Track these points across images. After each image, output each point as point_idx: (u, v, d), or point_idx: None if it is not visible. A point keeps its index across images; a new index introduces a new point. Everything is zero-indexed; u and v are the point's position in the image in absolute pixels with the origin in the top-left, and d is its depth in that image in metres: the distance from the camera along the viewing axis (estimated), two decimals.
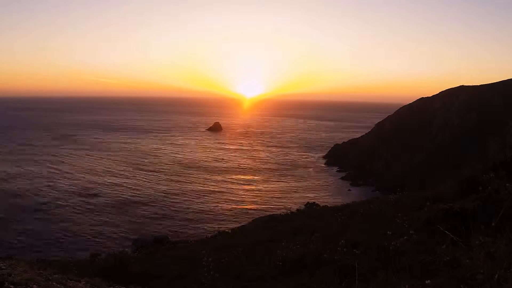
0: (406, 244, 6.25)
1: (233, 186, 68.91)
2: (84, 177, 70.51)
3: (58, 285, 5.29)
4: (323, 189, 69.93)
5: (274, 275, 8.42)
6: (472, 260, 3.46)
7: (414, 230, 6.78)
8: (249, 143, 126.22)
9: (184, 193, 62.61)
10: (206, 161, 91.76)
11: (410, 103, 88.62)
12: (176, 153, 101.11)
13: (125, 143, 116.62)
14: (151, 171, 78.33)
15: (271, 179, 75.73)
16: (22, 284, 4.64)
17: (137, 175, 73.97)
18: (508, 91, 67.67)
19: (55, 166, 79.06)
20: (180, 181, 70.50)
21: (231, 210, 54.73)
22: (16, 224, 45.97)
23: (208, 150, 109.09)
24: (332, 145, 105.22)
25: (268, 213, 35.72)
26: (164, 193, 61.98)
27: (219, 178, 74.92)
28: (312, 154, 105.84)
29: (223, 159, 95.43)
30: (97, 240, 42.44)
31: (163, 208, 54.50)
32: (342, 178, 77.38)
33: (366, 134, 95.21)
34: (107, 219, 49.18)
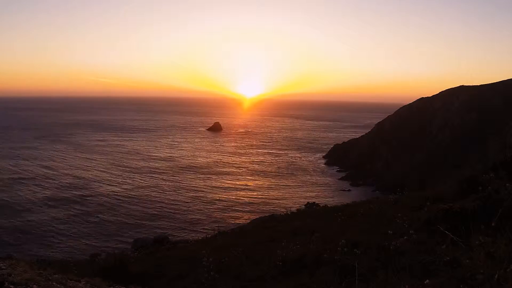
0: (406, 244, 6.25)
1: (233, 186, 68.91)
2: (84, 177, 70.52)
3: (58, 285, 5.29)
4: (323, 189, 69.93)
5: (274, 275, 8.42)
6: (472, 260, 3.46)
7: (414, 230, 6.78)
8: (249, 143, 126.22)
9: (184, 193, 62.62)
10: (206, 161, 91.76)
11: (410, 103, 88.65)
12: (175, 154, 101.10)
13: (124, 143, 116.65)
14: (151, 171, 78.34)
15: (271, 179, 75.72)
16: (22, 284, 4.64)
17: (137, 175, 73.97)
18: (508, 91, 67.68)
19: (54, 167, 79.05)
20: (180, 181, 70.50)
21: (231, 210, 54.73)
22: (16, 224, 45.98)
23: (208, 150, 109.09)
24: (332, 145, 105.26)
25: (268, 213, 35.69)
26: (164, 193, 61.98)
27: (219, 178, 74.92)
28: (312, 154, 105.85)
29: (222, 159, 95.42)
30: (97, 240, 42.45)
31: (163, 208, 54.50)
32: (342, 178, 77.37)
33: (366, 134, 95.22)
34: (107, 219, 49.19)
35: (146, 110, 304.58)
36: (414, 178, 61.14)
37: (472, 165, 47.82)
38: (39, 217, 48.90)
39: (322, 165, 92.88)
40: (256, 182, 73.44)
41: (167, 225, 47.72)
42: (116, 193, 61.04)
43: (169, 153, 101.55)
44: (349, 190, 68.59)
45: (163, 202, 57.08)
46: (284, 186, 70.60)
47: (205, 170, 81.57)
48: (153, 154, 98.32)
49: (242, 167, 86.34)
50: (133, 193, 61.32)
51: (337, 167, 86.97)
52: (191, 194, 62.15)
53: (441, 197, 10.43)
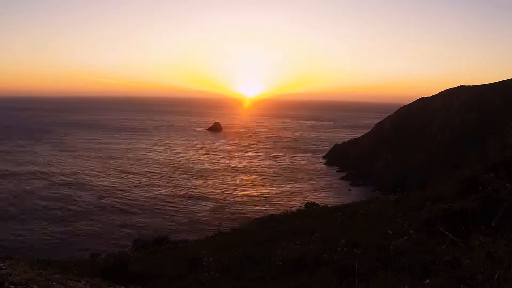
0: (406, 244, 6.26)
1: (233, 186, 68.91)
2: (83, 177, 70.54)
3: (58, 285, 5.29)
4: (323, 189, 69.92)
5: (274, 275, 8.42)
6: (472, 260, 3.47)
7: (414, 230, 6.78)
8: (248, 143, 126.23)
9: (183, 193, 62.60)
10: (205, 161, 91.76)
11: (410, 103, 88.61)
12: (175, 154, 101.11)
13: (123, 143, 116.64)
14: (150, 171, 78.35)
15: (271, 179, 75.73)
16: (22, 284, 4.64)
17: (136, 175, 73.98)
18: (508, 91, 67.66)
19: (54, 167, 79.08)
20: (179, 181, 70.50)
21: (231, 210, 54.73)
22: (16, 224, 45.99)
23: (207, 150, 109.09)
24: (332, 145, 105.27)
25: (268, 213, 35.71)
26: (164, 193, 61.97)
27: (218, 178, 74.93)
28: (312, 154, 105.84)
29: (222, 159, 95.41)
30: (97, 240, 42.44)
31: (163, 208, 54.50)
32: (342, 178, 77.37)
33: (366, 134, 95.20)
34: (107, 219, 49.20)
35: (146, 110, 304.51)
36: (414, 178, 61.10)
37: (472, 165, 47.80)
38: (38, 217, 48.89)
39: (322, 165, 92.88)
40: (256, 182, 73.43)
41: (167, 225, 47.72)
42: (116, 193, 61.04)
43: (168, 153, 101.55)
44: (349, 190, 68.59)
45: (162, 202, 57.06)
46: (284, 186, 70.60)
47: (205, 170, 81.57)
48: (153, 154, 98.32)
49: (242, 167, 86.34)
50: (133, 193, 61.33)
51: (337, 167, 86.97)
52: (191, 194, 62.13)
53: (441, 197, 10.43)
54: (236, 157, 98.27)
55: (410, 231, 6.58)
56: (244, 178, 76.42)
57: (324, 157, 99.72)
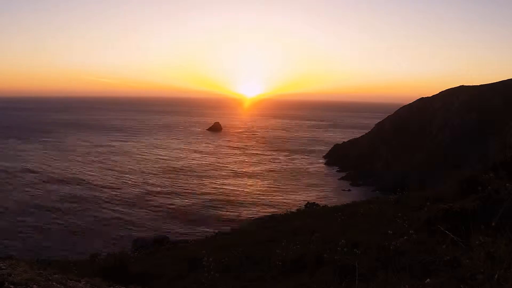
0: (406, 244, 6.26)
1: (233, 186, 68.90)
2: (84, 178, 70.53)
3: (58, 285, 5.29)
4: (323, 189, 69.92)
5: (274, 275, 8.42)
6: (472, 260, 3.46)
7: (414, 230, 6.78)
8: (248, 143, 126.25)
9: (183, 193, 62.61)
10: (205, 161, 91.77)
11: (410, 103, 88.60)
12: (175, 154, 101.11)
13: (123, 143, 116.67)
14: (150, 171, 78.36)
15: (271, 179, 75.73)
16: (22, 284, 4.64)
17: (137, 176, 73.98)
18: (508, 91, 67.67)
19: (53, 167, 79.09)
20: (179, 182, 70.50)
21: (231, 211, 54.73)
22: (15, 224, 45.99)
23: (207, 150, 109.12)
24: (332, 145, 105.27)
25: (268, 213, 35.70)
26: (164, 193, 61.99)
27: (218, 178, 74.93)
28: (312, 154, 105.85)
29: (222, 159, 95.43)
30: (97, 240, 42.43)
31: (163, 208, 54.50)
32: (342, 178, 77.35)
33: (366, 134, 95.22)
34: (107, 219, 49.19)
35: (145, 110, 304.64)
36: (414, 178, 61.15)
37: (472, 165, 47.79)
38: (38, 218, 48.90)
39: (322, 165, 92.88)
40: (256, 182, 73.44)
41: (167, 225, 47.72)
42: (115, 193, 61.06)
43: (168, 153, 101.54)
44: (349, 190, 68.59)
45: (162, 202, 57.07)
46: (284, 186, 70.60)
47: (205, 170, 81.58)
48: (152, 154, 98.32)
49: (242, 167, 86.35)
50: (132, 193, 61.34)
51: (337, 167, 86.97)
52: (190, 194, 62.15)
53: (441, 197, 10.43)
54: (236, 157, 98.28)
55: (410, 231, 6.58)
56: (244, 178, 76.42)
57: (324, 157, 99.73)
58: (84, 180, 68.32)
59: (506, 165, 9.71)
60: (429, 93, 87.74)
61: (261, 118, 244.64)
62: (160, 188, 65.00)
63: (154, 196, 60.30)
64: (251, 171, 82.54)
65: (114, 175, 73.62)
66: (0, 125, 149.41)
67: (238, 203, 58.71)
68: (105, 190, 62.65)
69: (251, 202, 59.33)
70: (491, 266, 3.24)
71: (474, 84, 78.62)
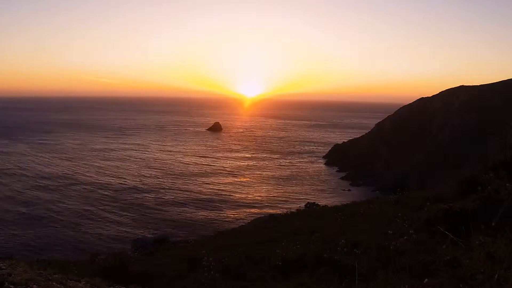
0: (406, 244, 6.26)
1: (233, 186, 68.90)
2: (84, 178, 70.52)
3: (58, 285, 5.29)
4: (323, 189, 69.93)
5: (274, 275, 8.42)
6: (472, 260, 3.46)
7: (414, 230, 6.79)
8: (248, 143, 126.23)
9: (183, 193, 62.60)
10: (205, 161, 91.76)
11: (410, 103, 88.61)
12: (175, 154, 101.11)
13: (123, 143, 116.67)
14: (149, 171, 78.36)
15: (271, 179, 75.73)
16: (22, 284, 4.64)
17: (137, 176, 73.99)
18: (508, 91, 67.67)
19: (53, 166, 79.10)
20: (179, 182, 70.49)
21: (231, 210, 54.73)
22: (15, 225, 46.00)
23: (207, 150, 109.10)
24: (332, 145, 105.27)
25: (268, 213, 35.72)
26: (164, 193, 61.98)
27: (218, 178, 74.92)
28: (312, 154, 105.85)
29: (222, 159, 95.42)
30: (97, 240, 42.45)
31: (163, 208, 54.49)
32: (342, 178, 77.36)
33: (366, 134, 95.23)
34: (107, 219, 49.20)
35: (146, 110, 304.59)
36: (414, 178, 61.14)
37: (472, 165, 47.79)
38: (38, 217, 48.89)
39: (322, 165, 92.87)
40: (256, 182, 73.43)
41: (167, 225, 47.72)
42: (116, 194, 61.06)
43: (168, 153, 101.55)
44: (349, 190, 68.60)
45: (162, 202, 57.07)
46: (284, 186, 70.61)
47: (205, 170, 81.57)
48: (153, 154, 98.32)
49: (242, 167, 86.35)
50: (133, 193, 61.33)
51: (337, 167, 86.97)
52: (190, 194, 62.13)
53: (441, 197, 10.43)
54: (236, 157, 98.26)
55: (410, 231, 6.58)
56: (244, 178, 76.41)
57: (324, 157, 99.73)
58: (84, 180, 68.32)
59: (506, 165, 9.71)
60: (429, 93, 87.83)
61: (261, 118, 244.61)
62: (160, 188, 64.98)
63: (154, 196, 60.27)
64: (251, 171, 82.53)
65: (114, 175, 73.61)
66: (0, 125, 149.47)
67: (238, 203, 58.70)
68: (105, 190, 62.65)
69: (251, 202, 59.32)
70: (491, 266, 3.24)
71: (474, 84, 78.68)
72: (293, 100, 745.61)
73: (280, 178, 77.25)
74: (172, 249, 17.57)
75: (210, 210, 54.48)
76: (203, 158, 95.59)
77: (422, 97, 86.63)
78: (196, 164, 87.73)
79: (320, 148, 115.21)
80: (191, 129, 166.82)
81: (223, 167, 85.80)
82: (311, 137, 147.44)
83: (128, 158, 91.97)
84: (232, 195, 62.77)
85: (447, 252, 4.39)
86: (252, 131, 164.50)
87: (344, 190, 68.97)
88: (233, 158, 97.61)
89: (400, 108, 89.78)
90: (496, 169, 9.66)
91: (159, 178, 72.67)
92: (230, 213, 53.31)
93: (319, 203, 29.00)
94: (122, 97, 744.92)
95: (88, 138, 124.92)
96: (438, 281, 3.70)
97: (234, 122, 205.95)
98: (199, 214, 52.53)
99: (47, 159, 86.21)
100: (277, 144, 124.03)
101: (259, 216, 34.21)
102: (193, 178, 73.41)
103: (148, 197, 59.62)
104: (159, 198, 59.25)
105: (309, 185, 72.61)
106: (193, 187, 66.97)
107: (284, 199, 61.69)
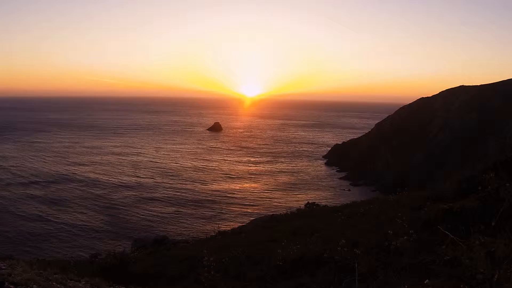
0: (406, 244, 6.26)
1: (233, 186, 68.91)
2: (83, 178, 70.54)
3: (58, 285, 5.29)
4: (323, 189, 69.95)
5: (274, 275, 8.42)
6: (472, 260, 3.46)
7: (414, 230, 6.78)
8: (248, 143, 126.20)
9: (183, 193, 62.62)
10: (205, 161, 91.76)
11: (410, 103, 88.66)
12: (175, 154, 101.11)
13: (122, 143, 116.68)
14: (149, 171, 78.35)
15: (271, 179, 75.74)
16: (22, 284, 4.64)
17: (137, 176, 73.99)
18: (508, 91, 67.66)
19: (52, 167, 79.10)
20: (179, 182, 70.52)
21: (231, 210, 54.74)
22: (16, 225, 45.99)
23: (207, 150, 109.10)
24: (332, 145, 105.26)
25: (268, 213, 35.71)
26: (164, 193, 62.00)
27: (218, 178, 74.93)
28: (312, 154, 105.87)
29: (222, 159, 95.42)
30: (97, 240, 42.46)
31: (163, 208, 54.51)
32: (342, 178, 77.38)
33: (366, 134, 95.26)
34: (107, 220, 49.20)
35: (146, 110, 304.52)
36: (414, 178, 61.11)
37: (472, 165, 47.79)
38: (38, 217, 48.90)
39: (322, 165, 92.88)
40: (256, 182, 73.43)
41: (167, 225, 47.73)
42: (116, 194, 61.07)
43: (168, 153, 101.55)
44: (349, 190, 68.61)
45: (162, 202, 57.09)
46: (284, 186, 70.61)
47: (205, 170, 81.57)
48: (153, 155, 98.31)
49: (242, 167, 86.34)
50: (133, 193, 61.35)
51: (337, 167, 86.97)
52: (190, 194, 62.15)
53: (441, 197, 10.42)
54: (236, 157, 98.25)
55: (410, 231, 6.58)
56: (244, 178, 76.42)
57: (324, 157, 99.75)
58: (83, 180, 68.32)
59: (506, 165, 9.71)
60: (429, 93, 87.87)
61: (261, 118, 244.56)
62: (160, 188, 65.00)
63: (154, 196, 60.28)
64: (251, 171, 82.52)
65: (114, 175, 73.63)
66: (0, 125, 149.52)
67: (238, 203, 58.71)
68: (105, 190, 62.66)
69: (251, 202, 59.34)
70: (491, 266, 3.24)
71: (474, 84, 78.68)
72: (293, 100, 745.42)
73: (280, 178, 77.25)
74: (172, 249, 17.58)
75: (210, 210, 54.48)
76: (203, 158, 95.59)
77: (422, 97, 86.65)
78: (196, 164, 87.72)
79: (320, 148, 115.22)
80: (192, 129, 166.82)
81: (223, 167, 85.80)
82: (311, 137, 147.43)
83: (125, 158, 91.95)
84: (232, 195, 62.77)
85: (447, 252, 4.39)
86: (252, 131, 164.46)
87: (344, 190, 68.99)
88: (233, 158, 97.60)
89: (400, 108, 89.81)
90: (496, 169, 9.65)
91: (158, 178, 72.69)
92: (230, 213, 53.32)
93: (319, 203, 28.97)
94: (122, 97, 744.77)
95: (87, 138, 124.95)
96: (438, 281, 3.70)
97: (234, 122, 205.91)
98: (199, 213, 52.54)
99: (48, 159, 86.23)
100: (277, 144, 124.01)
101: (259, 216, 34.19)
102: (193, 178, 73.43)
103: (148, 197, 59.63)
104: (159, 198, 59.27)
105: (309, 185, 72.62)
106: (193, 187, 66.99)
107: (284, 199, 61.70)
